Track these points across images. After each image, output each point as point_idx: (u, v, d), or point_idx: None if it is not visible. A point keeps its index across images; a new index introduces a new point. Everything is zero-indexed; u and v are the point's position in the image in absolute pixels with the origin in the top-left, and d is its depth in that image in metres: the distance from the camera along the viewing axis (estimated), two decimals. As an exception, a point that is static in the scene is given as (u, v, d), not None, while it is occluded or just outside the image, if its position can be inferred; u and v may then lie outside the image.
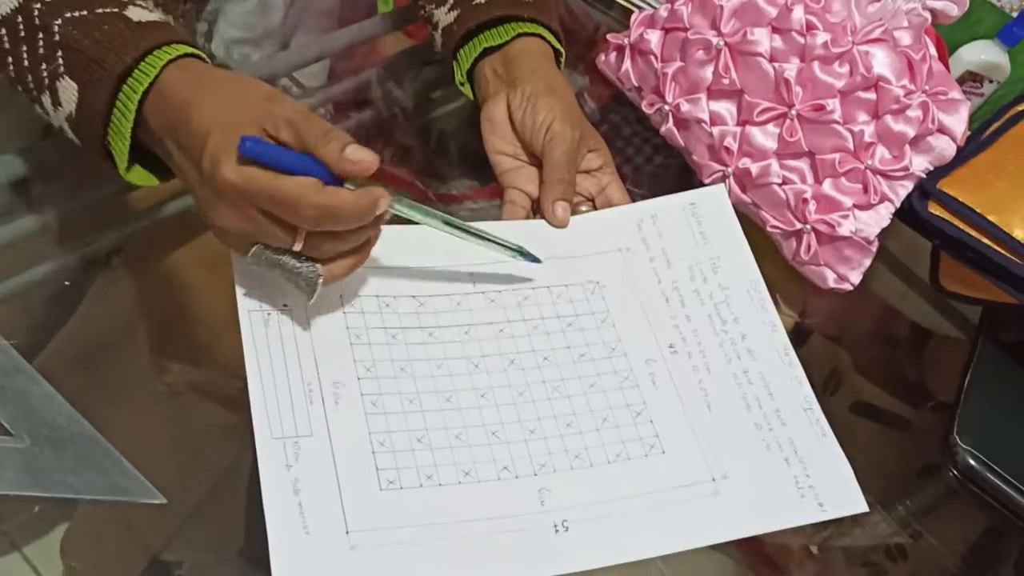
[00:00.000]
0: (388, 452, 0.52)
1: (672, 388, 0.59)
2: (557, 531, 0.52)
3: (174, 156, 0.51)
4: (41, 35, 0.52)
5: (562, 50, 0.71)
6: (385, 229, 0.59)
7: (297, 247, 0.49)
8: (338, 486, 0.49)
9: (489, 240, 0.59)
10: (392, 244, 0.59)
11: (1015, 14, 0.84)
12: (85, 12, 0.52)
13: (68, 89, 0.52)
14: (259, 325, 0.53)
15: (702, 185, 0.73)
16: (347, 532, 0.48)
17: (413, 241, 0.61)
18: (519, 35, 0.68)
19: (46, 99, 0.53)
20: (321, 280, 0.51)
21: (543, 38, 0.70)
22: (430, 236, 0.59)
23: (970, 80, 0.86)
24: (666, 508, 0.54)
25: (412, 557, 0.49)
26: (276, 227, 0.49)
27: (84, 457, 0.45)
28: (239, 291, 0.54)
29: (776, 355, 0.62)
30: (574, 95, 0.69)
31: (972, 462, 0.63)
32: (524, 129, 0.66)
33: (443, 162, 0.77)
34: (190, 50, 0.53)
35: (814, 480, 0.56)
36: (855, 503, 0.56)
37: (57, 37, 0.52)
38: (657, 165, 0.80)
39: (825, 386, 0.70)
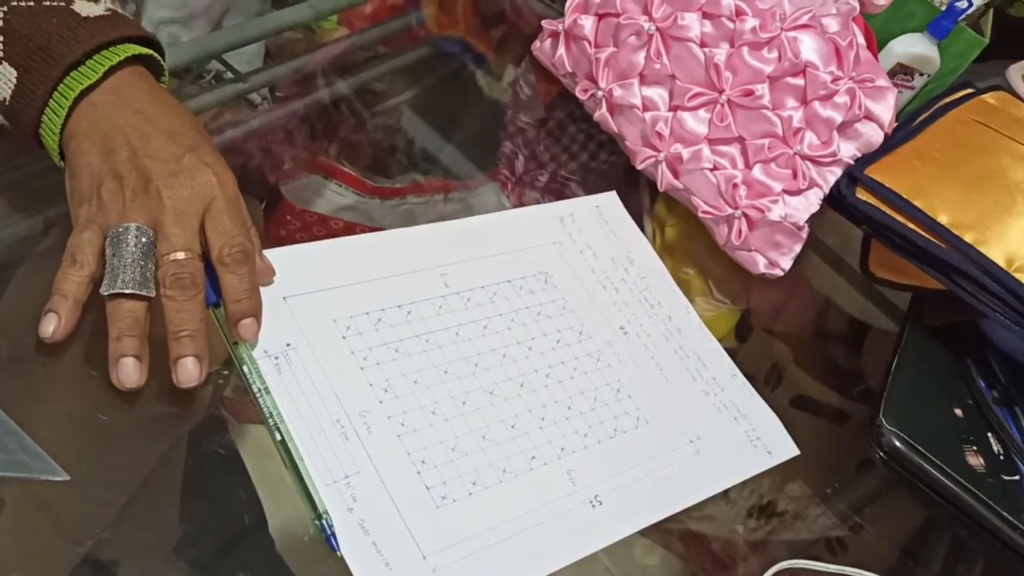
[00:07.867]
0: (431, 468, 0.53)
1: (635, 365, 0.64)
2: (594, 507, 0.55)
3: (106, 136, 0.51)
4: None
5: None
6: (350, 239, 0.61)
7: (180, 256, 0.50)
8: (400, 515, 0.50)
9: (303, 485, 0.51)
10: (362, 256, 0.60)
11: (944, 7, 0.85)
12: (32, 3, 0.52)
13: (4, 75, 0.51)
14: (272, 373, 0.53)
15: (649, 182, 0.76)
16: (424, 557, 0.49)
17: (379, 249, 0.62)
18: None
19: None
20: (145, 292, 0.49)
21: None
22: (392, 242, 0.62)
23: (901, 73, 0.87)
24: (667, 470, 0.59)
25: (485, 564, 0.50)
26: (193, 227, 0.50)
27: (-20, 431, 0.43)
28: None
29: (696, 332, 0.68)
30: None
31: (897, 443, 0.64)
32: None
33: (385, 155, 0.76)
34: (139, 50, 0.53)
35: (759, 433, 0.64)
36: (790, 448, 0.64)
37: (0, 23, 0.51)
38: (603, 162, 0.80)
39: (767, 381, 0.70)
